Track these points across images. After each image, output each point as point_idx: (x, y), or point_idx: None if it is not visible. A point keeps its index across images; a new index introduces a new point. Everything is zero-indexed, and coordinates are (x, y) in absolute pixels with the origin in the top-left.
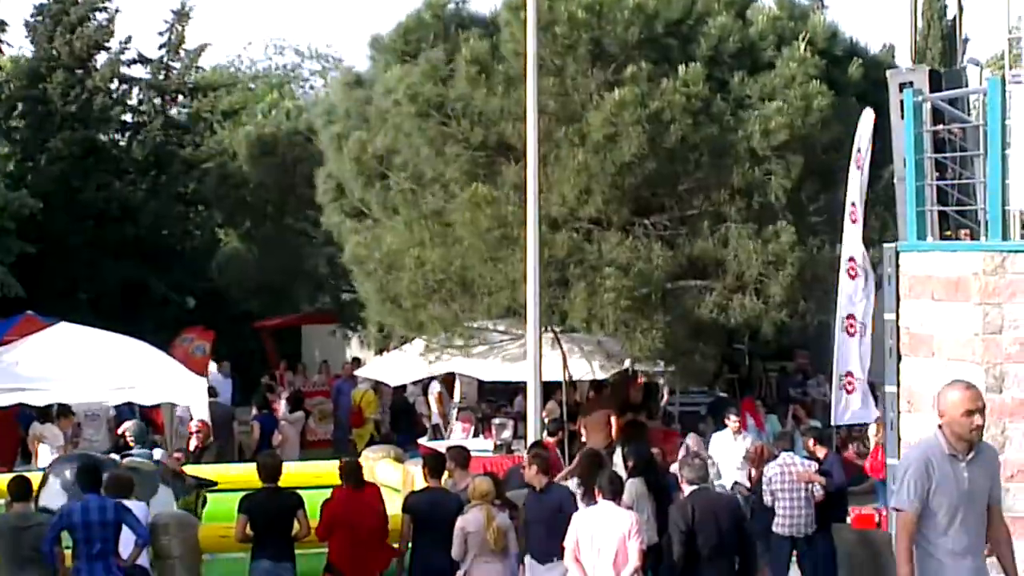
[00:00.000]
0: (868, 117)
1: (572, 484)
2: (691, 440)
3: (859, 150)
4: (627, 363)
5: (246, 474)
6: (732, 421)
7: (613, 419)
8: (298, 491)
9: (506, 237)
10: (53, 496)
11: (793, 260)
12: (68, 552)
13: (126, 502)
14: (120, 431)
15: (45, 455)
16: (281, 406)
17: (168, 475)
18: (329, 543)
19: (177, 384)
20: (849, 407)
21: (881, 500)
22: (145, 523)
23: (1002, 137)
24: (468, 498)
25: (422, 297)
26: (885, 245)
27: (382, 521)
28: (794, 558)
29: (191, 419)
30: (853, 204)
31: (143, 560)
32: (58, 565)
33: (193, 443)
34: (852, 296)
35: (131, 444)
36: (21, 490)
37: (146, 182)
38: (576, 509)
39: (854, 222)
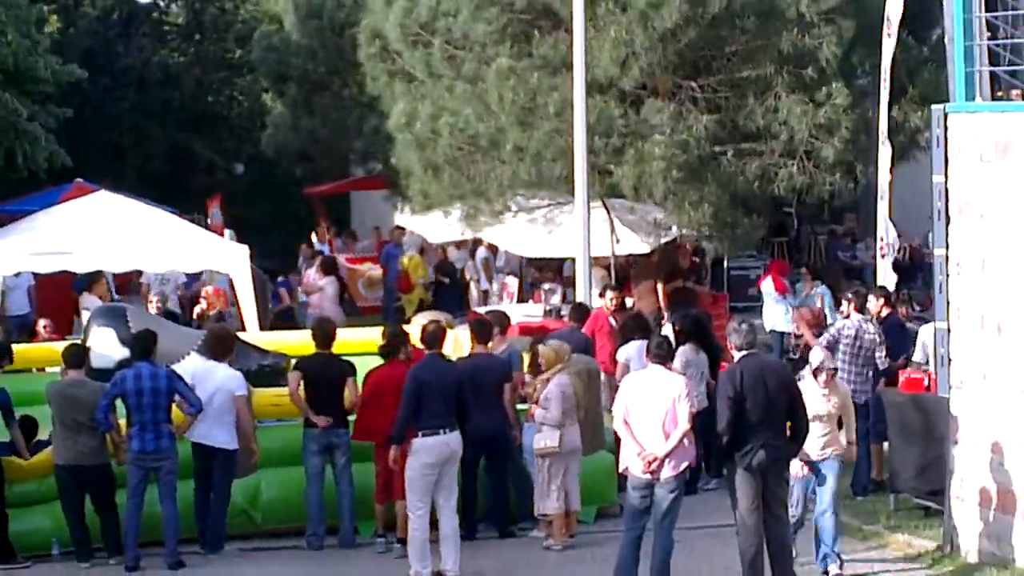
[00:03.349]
0: None
1: (629, 349)
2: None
3: (888, 18)
4: (674, 231)
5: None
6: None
7: (660, 287)
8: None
9: (533, 109)
10: (100, 346)
11: (848, 123)
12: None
13: (214, 366)
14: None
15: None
16: (311, 272)
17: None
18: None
19: (217, 251)
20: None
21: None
22: (233, 392)
23: None
24: (511, 362)
25: (460, 162)
26: (933, 106)
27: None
28: None
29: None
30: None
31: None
32: (112, 431)
33: (198, 308)
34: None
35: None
36: (74, 358)
37: (188, 47)
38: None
39: (887, 88)
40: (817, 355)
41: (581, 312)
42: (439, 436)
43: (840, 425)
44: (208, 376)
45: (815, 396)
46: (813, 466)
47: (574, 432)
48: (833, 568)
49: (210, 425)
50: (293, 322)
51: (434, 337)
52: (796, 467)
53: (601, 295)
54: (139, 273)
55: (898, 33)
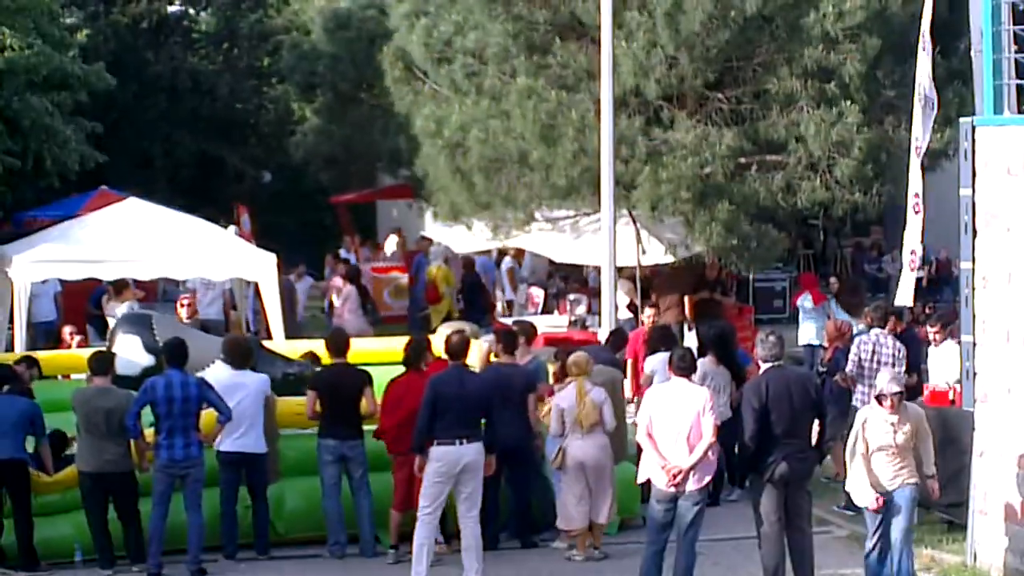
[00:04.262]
0: (928, 5)
1: (655, 360)
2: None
3: (922, 33)
4: (697, 248)
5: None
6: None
7: (686, 298)
8: (366, 368)
9: (555, 126)
10: (126, 353)
11: (861, 143)
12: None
13: (241, 374)
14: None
15: None
16: (337, 281)
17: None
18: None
19: (245, 259)
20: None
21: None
22: (264, 394)
23: None
24: (536, 372)
25: (490, 173)
26: (961, 120)
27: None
28: None
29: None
30: (923, 88)
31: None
32: (141, 438)
33: (185, 313)
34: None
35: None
36: (101, 365)
37: (218, 55)
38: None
39: (923, 106)
40: (883, 378)
41: (619, 338)
42: (454, 446)
43: (914, 454)
44: (236, 383)
45: (880, 426)
46: (888, 497)
47: (589, 445)
48: None
49: (243, 432)
50: None
51: (457, 349)
52: (871, 498)
53: (629, 308)
54: (166, 280)
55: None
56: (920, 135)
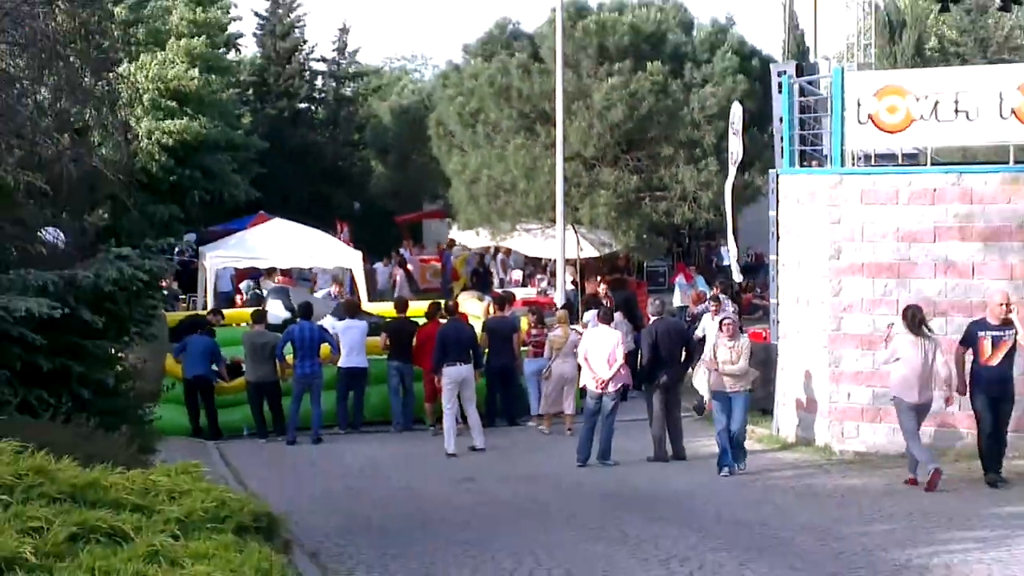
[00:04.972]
0: (737, 109)
1: (590, 315)
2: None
3: (733, 123)
4: (614, 247)
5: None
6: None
7: (603, 277)
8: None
9: (535, 169)
10: (273, 310)
11: (715, 185)
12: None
13: (352, 321)
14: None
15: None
16: (396, 268)
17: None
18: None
19: (343, 255)
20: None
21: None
22: (365, 332)
23: (841, 105)
24: (516, 322)
25: (492, 199)
26: (770, 171)
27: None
28: None
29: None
30: (734, 153)
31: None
32: (284, 362)
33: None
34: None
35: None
36: (259, 316)
37: (327, 133)
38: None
39: (734, 163)
40: (724, 314)
41: (569, 305)
42: (455, 367)
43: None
44: (347, 328)
45: (723, 349)
46: (726, 397)
47: (565, 366)
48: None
49: (355, 355)
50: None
51: (452, 309)
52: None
53: (572, 283)
54: (298, 268)
55: (746, 130)
56: (732, 179)
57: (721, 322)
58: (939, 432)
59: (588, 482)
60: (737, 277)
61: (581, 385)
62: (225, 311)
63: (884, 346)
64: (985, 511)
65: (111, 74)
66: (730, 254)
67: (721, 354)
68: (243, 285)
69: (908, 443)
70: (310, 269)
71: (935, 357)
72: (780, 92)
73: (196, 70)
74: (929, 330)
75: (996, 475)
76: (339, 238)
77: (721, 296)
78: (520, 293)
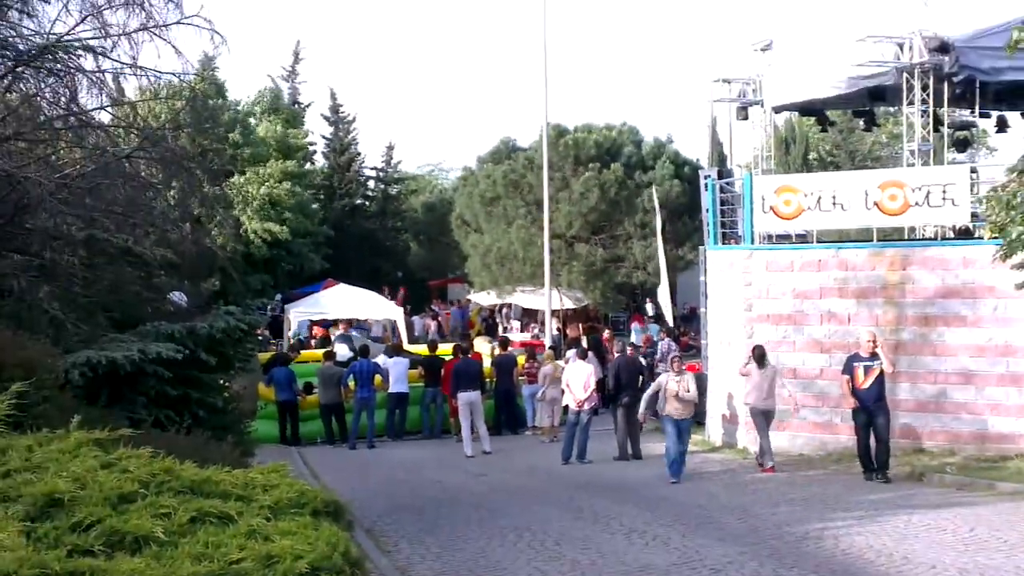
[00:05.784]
0: (654, 193)
1: (571, 353)
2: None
3: (655, 209)
4: (587, 302)
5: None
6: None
7: (579, 324)
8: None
9: (530, 243)
10: (340, 351)
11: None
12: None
13: (398, 359)
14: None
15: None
16: (429, 320)
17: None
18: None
19: (390, 310)
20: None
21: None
22: (407, 367)
23: (750, 199)
24: (515, 358)
25: (498, 266)
26: (700, 247)
27: (479, 368)
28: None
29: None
30: (661, 232)
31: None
32: (348, 388)
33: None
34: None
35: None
36: (329, 355)
37: (377, 222)
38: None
39: (665, 241)
40: (671, 355)
41: (557, 345)
42: (466, 392)
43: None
44: (394, 363)
45: (671, 383)
46: (674, 422)
47: (555, 391)
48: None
49: (400, 383)
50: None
51: (463, 350)
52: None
53: (558, 330)
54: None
55: (679, 218)
56: (663, 253)
57: (671, 359)
58: (824, 438)
59: (569, 475)
60: (669, 321)
61: (564, 404)
62: (302, 351)
63: (743, 367)
64: (861, 497)
65: (224, 182)
66: (664, 307)
67: (671, 387)
68: (303, 331)
69: (760, 438)
70: (365, 320)
71: (774, 379)
72: (706, 190)
73: (287, 183)
74: (767, 362)
75: (882, 475)
76: (396, 300)
77: (667, 339)
78: (518, 337)
